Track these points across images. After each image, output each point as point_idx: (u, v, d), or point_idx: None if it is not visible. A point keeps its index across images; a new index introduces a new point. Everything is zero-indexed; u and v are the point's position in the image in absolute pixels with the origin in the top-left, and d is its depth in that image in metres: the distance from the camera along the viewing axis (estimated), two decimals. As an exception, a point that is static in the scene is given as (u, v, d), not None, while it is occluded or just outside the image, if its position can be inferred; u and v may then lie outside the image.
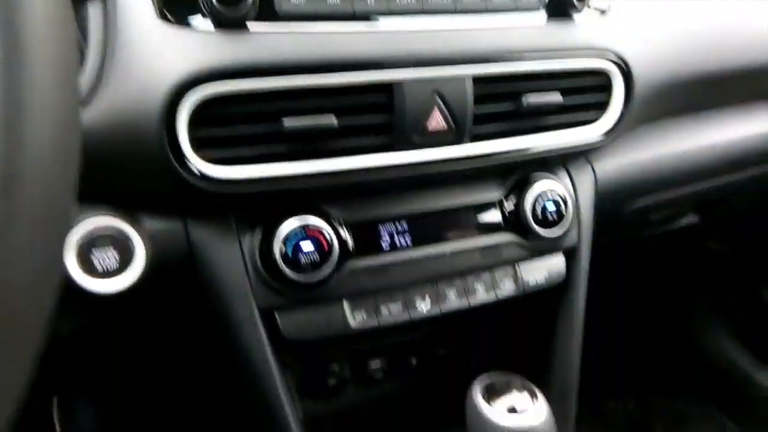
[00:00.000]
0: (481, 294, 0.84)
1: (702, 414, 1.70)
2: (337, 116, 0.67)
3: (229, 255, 0.72)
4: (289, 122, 0.65)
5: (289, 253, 0.70)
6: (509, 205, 0.84)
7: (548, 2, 0.80)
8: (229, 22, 0.64)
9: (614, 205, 0.98)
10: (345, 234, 0.75)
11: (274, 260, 0.71)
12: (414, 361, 1.10)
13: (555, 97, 0.77)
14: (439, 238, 0.81)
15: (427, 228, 0.80)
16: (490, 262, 0.83)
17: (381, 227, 0.78)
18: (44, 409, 1.31)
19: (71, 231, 0.64)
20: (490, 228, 0.83)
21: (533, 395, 0.65)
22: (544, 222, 0.84)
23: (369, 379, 1.06)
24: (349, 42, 0.68)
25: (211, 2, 0.62)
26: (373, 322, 0.79)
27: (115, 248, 0.66)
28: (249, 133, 0.65)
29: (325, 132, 0.67)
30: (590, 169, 0.92)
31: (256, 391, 0.77)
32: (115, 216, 0.66)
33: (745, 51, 1.02)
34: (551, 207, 0.83)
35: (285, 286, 0.73)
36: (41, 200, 0.32)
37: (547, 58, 0.77)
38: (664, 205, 1.08)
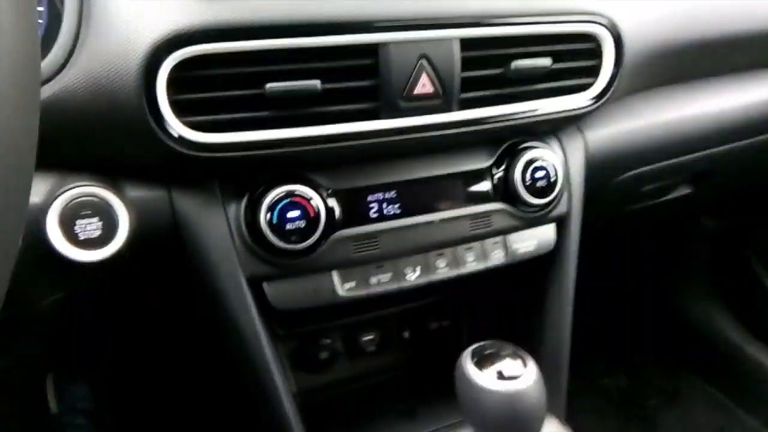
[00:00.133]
0: (471, 263, 0.84)
1: (695, 389, 1.71)
2: (321, 80, 0.66)
3: (214, 224, 0.71)
4: (272, 86, 0.64)
5: (275, 221, 0.69)
6: (499, 174, 0.84)
7: (538, -35, 0.78)
8: (208, -19, 0.62)
9: (606, 174, 0.97)
10: (332, 202, 0.74)
11: (260, 228, 0.70)
12: (406, 335, 1.10)
13: (544, 62, 0.76)
14: (428, 207, 0.80)
15: (416, 197, 0.79)
16: (480, 230, 0.83)
17: (369, 196, 0.77)
18: (39, 387, 1.31)
19: (55, 199, 0.63)
20: (480, 196, 0.83)
21: (524, 362, 0.64)
22: (534, 190, 0.83)
23: (361, 353, 1.06)
24: (334, 2, 0.66)
25: None
26: (362, 292, 0.78)
27: (98, 217, 0.65)
28: (230, 98, 0.64)
29: (309, 97, 0.66)
30: (581, 137, 0.91)
31: (245, 362, 0.77)
32: (97, 184, 0.65)
33: (739, 18, 1.01)
34: (541, 174, 0.83)
35: (272, 255, 0.72)
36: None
37: (536, 21, 0.76)
38: (657, 176, 1.07)
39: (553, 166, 0.84)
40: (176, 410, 1.35)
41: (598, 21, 0.80)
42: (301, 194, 0.71)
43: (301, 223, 0.70)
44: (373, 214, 0.77)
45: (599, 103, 0.84)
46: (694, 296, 1.73)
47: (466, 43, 0.72)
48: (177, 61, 0.61)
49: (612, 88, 0.84)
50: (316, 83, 0.65)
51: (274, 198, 0.69)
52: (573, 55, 0.80)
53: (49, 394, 1.30)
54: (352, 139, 0.70)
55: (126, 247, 0.66)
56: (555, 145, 0.88)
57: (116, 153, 0.66)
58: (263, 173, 0.72)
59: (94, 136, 0.63)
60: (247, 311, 0.74)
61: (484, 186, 0.83)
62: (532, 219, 0.86)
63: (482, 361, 0.63)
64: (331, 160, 0.75)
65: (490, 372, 0.62)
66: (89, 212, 0.64)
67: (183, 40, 0.60)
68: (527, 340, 0.95)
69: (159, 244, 0.72)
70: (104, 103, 0.61)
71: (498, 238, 0.85)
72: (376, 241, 0.77)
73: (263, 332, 0.76)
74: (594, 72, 0.83)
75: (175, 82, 0.62)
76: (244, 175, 0.72)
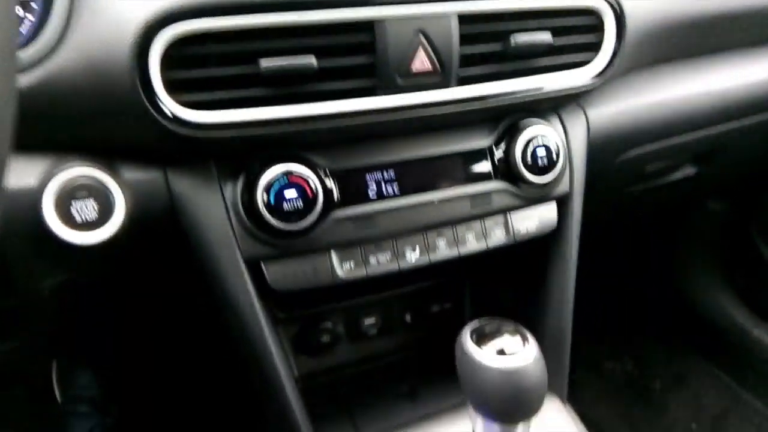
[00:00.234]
0: (471, 243, 0.83)
1: (700, 371, 1.70)
2: (317, 57, 0.65)
3: (211, 204, 0.70)
4: (266, 63, 0.63)
5: (272, 201, 0.69)
6: (499, 152, 0.82)
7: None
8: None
9: (608, 154, 0.96)
10: (330, 182, 0.73)
11: (258, 208, 0.69)
12: (408, 319, 1.09)
13: (544, 37, 0.75)
14: (427, 187, 0.79)
15: (415, 176, 0.78)
16: (481, 210, 0.82)
17: (367, 175, 0.76)
18: (45, 376, 1.32)
19: (50, 180, 0.63)
20: (480, 176, 0.82)
21: (524, 339, 0.63)
22: (535, 168, 0.82)
23: (363, 336, 1.06)
24: None
25: None
26: (362, 272, 0.78)
27: (94, 199, 0.65)
28: (224, 75, 0.63)
29: (305, 74, 0.65)
30: (583, 115, 0.90)
31: (245, 344, 0.77)
32: (93, 165, 0.65)
33: None
34: (542, 153, 0.81)
35: (270, 236, 0.72)
36: None
37: None
38: (660, 155, 1.06)
39: (555, 143, 0.83)
40: (179, 396, 1.35)
41: None
42: (299, 174, 0.70)
43: (299, 203, 0.69)
44: (371, 193, 0.76)
45: (601, 80, 0.82)
46: (699, 279, 1.72)
47: (465, 18, 0.71)
48: (170, 39, 0.60)
49: (614, 64, 0.82)
50: (311, 60, 0.64)
51: (270, 178, 0.69)
52: (574, 30, 0.79)
53: (54, 380, 1.31)
54: (349, 117, 0.69)
55: (123, 229, 0.66)
56: (556, 122, 0.87)
57: (111, 134, 0.66)
58: (259, 153, 0.71)
59: (88, 116, 0.63)
60: (246, 292, 0.74)
61: (484, 165, 0.82)
62: (534, 198, 0.85)
63: (482, 337, 0.62)
64: (329, 139, 0.74)
65: (490, 349, 0.61)
66: (85, 194, 0.64)
67: (175, 16, 0.59)
68: (529, 321, 0.94)
69: (156, 227, 0.71)
70: (98, 83, 0.60)
71: (499, 218, 0.85)
72: (374, 221, 0.76)
73: (262, 313, 0.76)
74: (595, 47, 0.81)
75: (168, 61, 0.61)
76: (241, 155, 0.71)
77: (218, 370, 1.19)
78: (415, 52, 0.69)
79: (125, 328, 1.20)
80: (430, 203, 0.79)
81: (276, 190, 0.69)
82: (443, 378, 0.91)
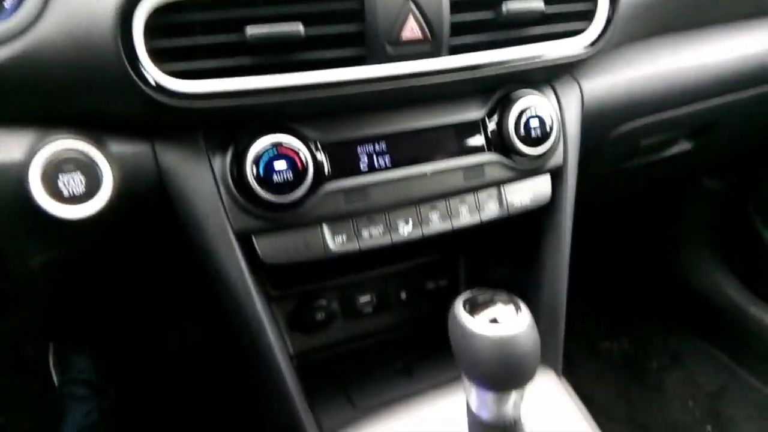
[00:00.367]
0: (464, 216, 0.82)
1: (696, 350, 1.71)
2: (305, 25, 0.63)
3: (200, 177, 0.70)
4: (253, 30, 0.61)
5: (262, 173, 0.68)
6: (492, 124, 0.82)
7: None
8: None
9: (603, 126, 0.95)
10: (320, 154, 0.73)
11: (247, 181, 0.68)
12: (403, 296, 1.09)
13: (537, 5, 0.74)
14: (419, 159, 0.78)
15: (407, 148, 0.78)
16: (474, 183, 0.81)
17: (359, 147, 0.75)
18: (42, 359, 1.32)
19: (36, 153, 0.62)
20: (473, 148, 0.81)
21: (517, 308, 0.63)
22: (528, 139, 0.81)
23: (358, 314, 1.06)
24: None
25: None
26: (354, 246, 0.77)
27: (81, 172, 0.64)
28: (210, 44, 0.62)
29: (292, 42, 0.64)
30: (577, 87, 0.89)
31: (238, 319, 0.77)
32: (79, 138, 0.64)
33: None
34: (535, 123, 0.81)
35: (260, 209, 0.71)
36: None
37: None
38: (656, 129, 1.05)
39: (548, 115, 0.82)
40: (177, 378, 1.35)
41: None
42: (288, 145, 0.69)
43: (289, 175, 0.69)
44: (363, 166, 0.75)
45: (594, 50, 0.81)
46: (696, 257, 1.72)
47: None
48: (153, 5, 0.59)
49: (607, 34, 0.81)
50: (299, 27, 0.63)
51: (260, 149, 0.68)
52: None
53: (51, 363, 1.31)
54: (338, 87, 0.68)
55: (111, 203, 0.65)
56: (549, 93, 0.86)
57: (96, 106, 0.65)
58: (248, 124, 0.70)
59: (72, 88, 0.62)
60: (237, 266, 0.73)
61: (477, 137, 0.81)
62: (527, 170, 0.85)
63: (475, 307, 0.62)
64: (318, 110, 0.73)
65: (482, 317, 0.61)
66: (72, 167, 0.63)
67: None
68: (524, 295, 0.94)
69: (145, 201, 0.71)
70: (81, 53, 0.59)
71: (492, 191, 0.84)
72: (366, 194, 0.75)
73: (255, 288, 0.75)
74: (589, 16, 0.80)
75: (152, 29, 0.60)
76: (229, 127, 0.70)
77: (214, 350, 1.19)
78: (404, 19, 0.68)
79: (120, 308, 1.20)
80: (423, 176, 0.78)
81: (265, 161, 0.68)
82: (438, 354, 0.91)
